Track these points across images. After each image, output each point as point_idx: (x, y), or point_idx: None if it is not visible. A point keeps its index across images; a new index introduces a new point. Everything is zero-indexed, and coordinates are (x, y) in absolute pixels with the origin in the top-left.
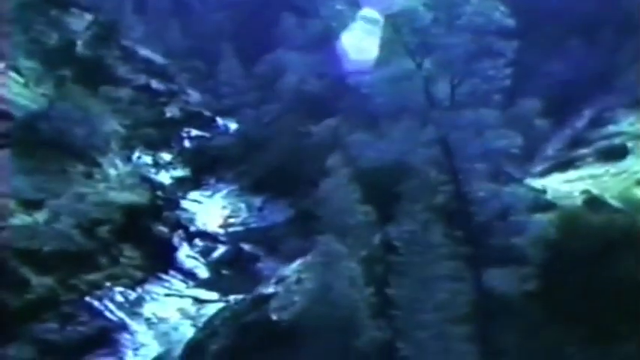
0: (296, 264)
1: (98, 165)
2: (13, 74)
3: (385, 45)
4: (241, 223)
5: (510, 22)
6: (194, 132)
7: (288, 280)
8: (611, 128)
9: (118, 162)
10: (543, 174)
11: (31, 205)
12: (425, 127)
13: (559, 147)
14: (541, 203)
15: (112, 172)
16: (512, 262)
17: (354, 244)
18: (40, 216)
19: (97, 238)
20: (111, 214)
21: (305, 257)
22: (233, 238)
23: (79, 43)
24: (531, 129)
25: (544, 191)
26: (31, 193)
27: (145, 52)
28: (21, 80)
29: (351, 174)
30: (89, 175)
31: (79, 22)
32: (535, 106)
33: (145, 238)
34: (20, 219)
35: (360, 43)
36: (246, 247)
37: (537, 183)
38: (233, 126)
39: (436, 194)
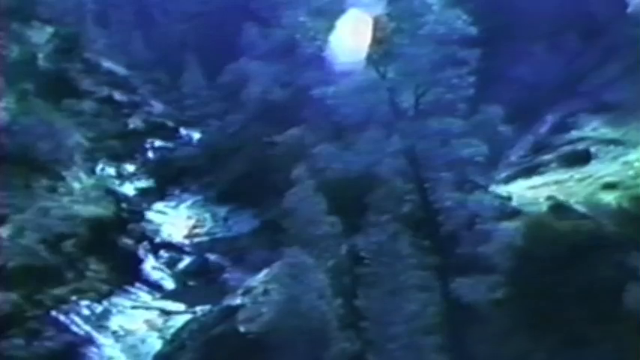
0: (262, 274)
1: (62, 179)
2: None
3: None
4: (207, 234)
5: (473, 30)
6: (158, 143)
7: (255, 291)
8: (574, 133)
9: (82, 175)
10: (508, 181)
11: None
12: (390, 137)
13: (523, 153)
14: (507, 211)
15: (76, 185)
16: (479, 271)
17: (321, 255)
18: (4, 231)
19: (63, 252)
20: (76, 227)
21: (271, 267)
22: (198, 249)
23: (41, 56)
24: (495, 135)
25: (509, 198)
26: None
27: (107, 64)
28: None
29: (316, 185)
30: (53, 190)
31: (41, 35)
32: (498, 113)
33: (111, 251)
34: None
35: (348, 44)
36: (211, 257)
37: (502, 190)
38: (197, 136)
39: (403, 204)
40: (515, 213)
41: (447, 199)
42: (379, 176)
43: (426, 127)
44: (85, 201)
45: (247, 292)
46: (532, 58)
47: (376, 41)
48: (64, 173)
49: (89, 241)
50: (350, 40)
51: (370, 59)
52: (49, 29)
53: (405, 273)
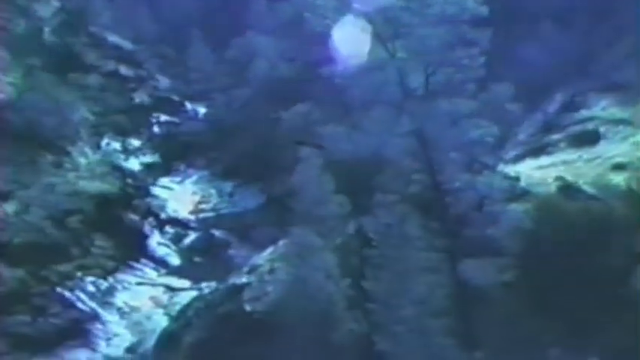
0: (268, 252)
1: (68, 154)
2: None
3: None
4: (212, 209)
5: (484, 10)
6: (163, 117)
7: (260, 269)
8: (584, 113)
9: (88, 150)
10: (516, 160)
11: (0, 197)
12: (399, 117)
13: (531, 132)
14: (516, 192)
15: (82, 161)
16: (488, 253)
17: (328, 234)
18: (10, 207)
19: (68, 228)
20: (81, 204)
21: (277, 245)
22: (204, 225)
23: (47, 30)
24: (504, 114)
25: (517, 179)
26: (0, 185)
27: (113, 38)
28: None
29: (324, 164)
30: (59, 165)
31: (46, 8)
32: (507, 91)
33: (116, 227)
34: None
35: (352, 38)
36: (217, 233)
37: (511, 170)
38: (203, 111)
39: (411, 185)
40: (523, 194)
41: (456, 180)
42: (387, 156)
43: (436, 107)
44: (90, 177)
45: (253, 270)
46: (542, 37)
47: (375, 44)
48: (69, 149)
49: (95, 217)
50: (348, 43)
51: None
52: (55, 3)
53: (414, 255)
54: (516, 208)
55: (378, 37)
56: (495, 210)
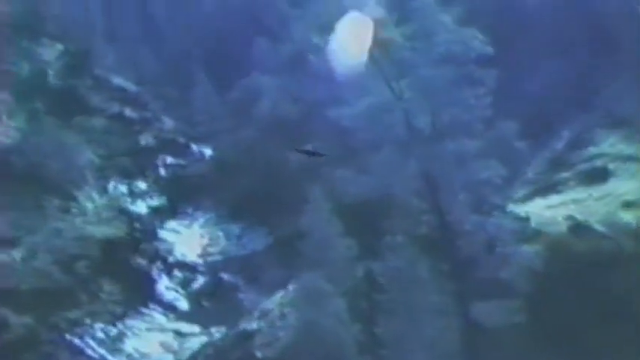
0: (278, 296)
1: (74, 199)
2: None
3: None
4: (220, 252)
5: (489, 49)
6: (169, 159)
7: (271, 314)
8: (592, 150)
9: (94, 194)
10: (525, 199)
11: (7, 243)
12: (407, 159)
13: (539, 170)
14: (526, 233)
15: (89, 205)
16: (499, 295)
17: (337, 278)
18: (17, 253)
19: (76, 274)
20: (89, 248)
21: (286, 288)
22: (212, 268)
23: (51, 73)
24: (510, 152)
25: (528, 219)
26: (7, 231)
27: (117, 80)
28: None
29: (332, 207)
30: (66, 210)
31: (50, 52)
32: (513, 129)
33: (124, 272)
34: None
35: (348, 46)
36: (225, 276)
37: (520, 209)
38: (209, 152)
39: (420, 227)
40: (534, 235)
41: (465, 221)
42: (395, 198)
43: (443, 148)
44: (97, 221)
45: (263, 315)
46: (545, 73)
47: (377, 43)
48: (75, 193)
49: (102, 262)
50: (350, 42)
51: (385, 79)
52: (59, 46)
53: (424, 298)
54: (527, 249)
55: (383, 78)
56: (506, 252)
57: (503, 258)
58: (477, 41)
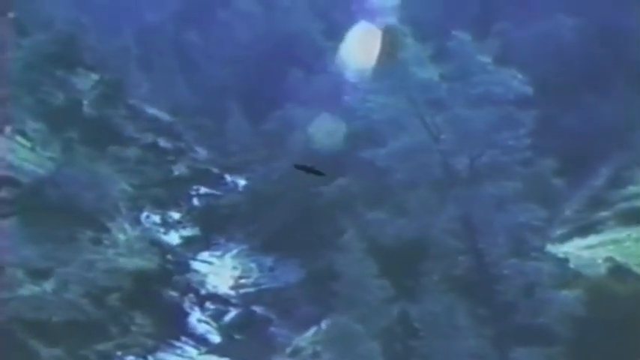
0: (311, 333)
1: (107, 230)
2: (19, 138)
3: (400, 115)
4: (253, 284)
5: (528, 89)
6: (203, 189)
7: (304, 352)
8: (631, 189)
9: (127, 226)
10: (564, 239)
11: (39, 275)
12: (444, 201)
13: (578, 208)
14: (566, 277)
15: (121, 237)
16: (538, 341)
17: (371, 319)
18: (49, 285)
19: (107, 306)
20: (120, 281)
21: (319, 325)
22: (245, 300)
23: (85, 102)
24: (549, 189)
25: (567, 260)
26: (39, 262)
27: (151, 110)
28: (27, 144)
29: (366, 247)
30: (98, 242)
31: (85, 81)
32: (552, 166)
33: (156, 304)
34: (28, 289)
35: (357, 55)
36: (258, 309)
37: (559, 250)
38: (242, 183)
39: (457, 270)
40: (574, 278)
41: (504, 265)
42: (432, 240)
43: (481, 191)
44: (129, 253)
45: (296, 352)
46: (583, 109)
47: (385, 52)
48: (108, 224)
49: (134, 295)
50: (359, 50)
51: (421, 119)
52: (94, 76)
53: (462, 344)
54: (567, 293)
55: (420, 118)
56: (545, 296)
57: (542, 302)
58: (516, 81)
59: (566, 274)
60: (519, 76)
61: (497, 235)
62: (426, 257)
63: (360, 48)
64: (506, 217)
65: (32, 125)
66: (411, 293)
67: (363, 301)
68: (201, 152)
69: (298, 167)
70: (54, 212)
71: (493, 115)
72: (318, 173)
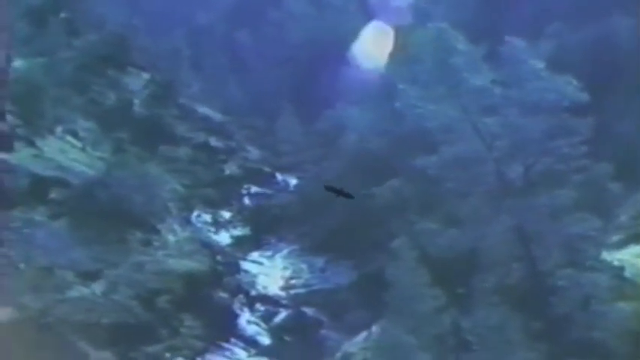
0: (361, 338)
1: (157, 232)
2: (70, 138)
3: (452, 123)
4: (303, 285)
5: (584, 96)
6: (254, 189)
7: (353, 359)
8: None
9: (177, 227)
10: (619, 246)
11: (88, 277)
12: (498, 212)
13: (633, 214)
14: (623, 288)
15: (171, 238)
16: (594, 356)
17: (423, 329)
18: (98, 287)
19: (157, 308)
20: (170, 283)
21: (369, 329)
22: (295, 302)
23: (137, 102)
24: (604, 194)
25: (622, 268)
26: (89, 264)
27: (202, 109)
28: (78, 144)
29: (418, 255)
30: (148, 243)
31: (137, 81)
32: (607, 170)
33: (206, 306)
34: (78, 291)
35: (371, 52)
36: (308, 311)
37: (613, 257)
38: (293, 182)
39: (511, 281)
40: (631, 289)
41: (558, 276)
42: (486, 251)
43: (536, 201)
44: (179, 255)
45: (346, 358)
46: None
47: (397, 50)
48: (158, 226)
49: (184, 297)
50: (372, 48)
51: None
52: (145, 75)
53: (515, 358)
54: (624, 306)
55: (473, 126)
56: (601, 309)
57: (598, 315)
58: (571, 88)
59: (622, 285)
60: (574, 82)
61: (552, 246)
62: (479, 268)
63: (373, 46)
64: (560, 226)
65: (83, 125)
66: (463, 304)
67: (415, 310)
68: (253, 152)
69: (328, 189)
70: (104, 214)
71: (547, 122)
72: (347, 196)
